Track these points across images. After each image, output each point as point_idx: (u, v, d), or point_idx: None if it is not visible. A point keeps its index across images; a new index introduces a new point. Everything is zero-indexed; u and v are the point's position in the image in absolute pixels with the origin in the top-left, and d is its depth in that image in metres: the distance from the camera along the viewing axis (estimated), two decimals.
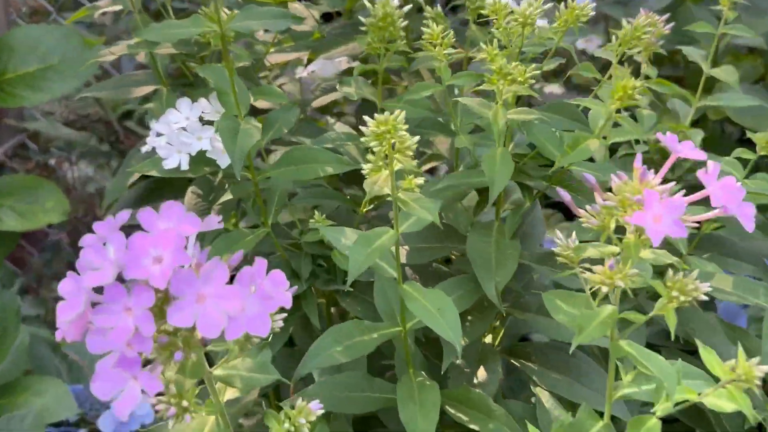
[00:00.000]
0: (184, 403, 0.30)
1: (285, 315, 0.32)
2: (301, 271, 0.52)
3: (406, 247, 0.51)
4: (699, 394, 0.33)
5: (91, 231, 0.30)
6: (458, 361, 0.48)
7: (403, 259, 0.49)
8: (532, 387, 0.49)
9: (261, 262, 0.30)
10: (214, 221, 0.30)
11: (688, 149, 0.32)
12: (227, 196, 0.54)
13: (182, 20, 0.43)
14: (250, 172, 0.49)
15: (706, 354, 0.32)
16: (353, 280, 0.37)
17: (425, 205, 0.37)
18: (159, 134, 0.48)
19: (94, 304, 0.27)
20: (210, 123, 0.48)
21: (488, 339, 0.53)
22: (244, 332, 0.27)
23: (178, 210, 0.28)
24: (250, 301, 0.28)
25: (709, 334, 0.51)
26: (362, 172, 0.36)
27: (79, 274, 0.28)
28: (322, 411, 0.34)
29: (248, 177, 0.48)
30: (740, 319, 0.66)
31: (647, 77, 0.58)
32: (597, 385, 0.48)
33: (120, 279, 0.28)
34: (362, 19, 0.50)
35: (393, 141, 0.34)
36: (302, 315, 0.54)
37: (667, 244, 0.58)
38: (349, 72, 0.74)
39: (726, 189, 0.30)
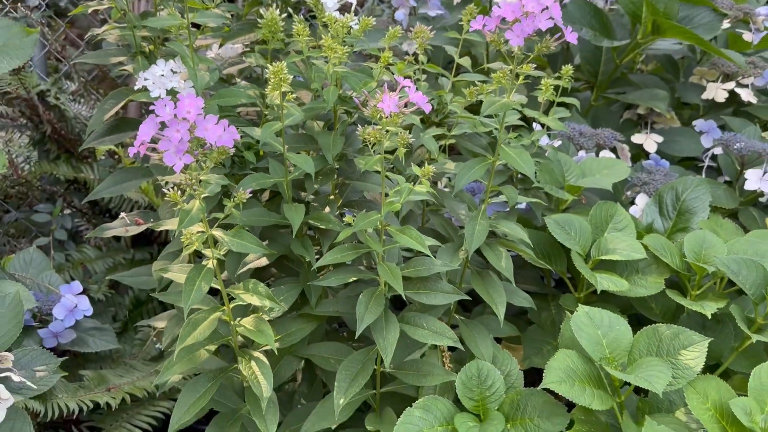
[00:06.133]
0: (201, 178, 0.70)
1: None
2: None
3: None
4: None
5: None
6: None
7: None
8: None
9: (224, 122, 0.70)
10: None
11: (405, 82, 0.77)
12: None
13: (166, 17, 0.82)
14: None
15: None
16: None
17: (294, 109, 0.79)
18: (146, 79, 0.86)
19: (157, 134, 0.67)
20: (176, 73, 0.87)
21: None
22: (222, 144, 0.68)
23: (194, 98, 0.68)
24: (224, 132, 0.69)
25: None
26: (266, 91, 0.78)
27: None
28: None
29: None
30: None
31: (423, 63, 1.05)
32: None
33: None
34: (259, 20, 0.91)
35: (282, 74, 0.76)
36: None
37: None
38: (246, 53, 1.15)
39: (418, 97, 0.75)
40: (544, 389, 0.83)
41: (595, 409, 0.82)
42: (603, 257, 1.00)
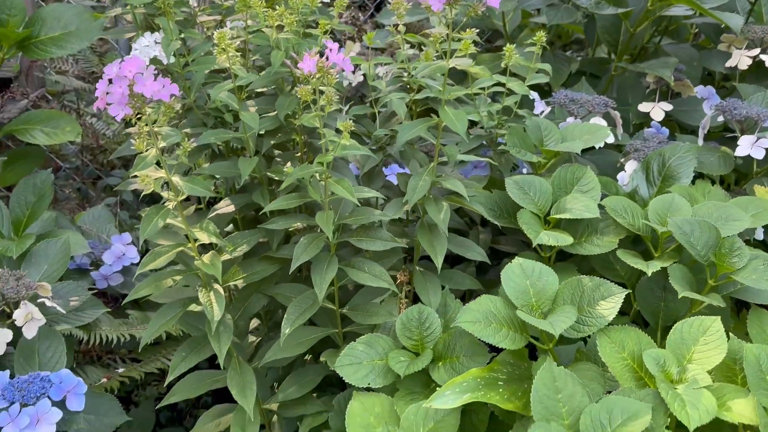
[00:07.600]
0: (146, 129, 0.84)
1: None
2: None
3: None
4: None
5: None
6: None
7: None
8: None
9: (166, 80, 0.83)
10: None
11: (332, 45, 0.86)
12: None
13: None
14: (179, 66, 1.02)
15: None
16: None
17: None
18: (135, 49, 1.01)
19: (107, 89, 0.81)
20: (158, 43, 1.01)
21: None
22: (159, 98, 0.81)
23: (136, 59, 0.82)
24: (163, 88, 0.82)
25: None
26: (217, 59, 0.90)
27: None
28: None
29: (177, 69, 1.02)
30: None
31: (401, 32, 1.12)
32: None
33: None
34: None
35: (225, 40, 0.88)
36: None
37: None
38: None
39: (339, 59, 0.84)
40: None
41: (512, 350, 0.88)
42: (558, 216, 1.04)
